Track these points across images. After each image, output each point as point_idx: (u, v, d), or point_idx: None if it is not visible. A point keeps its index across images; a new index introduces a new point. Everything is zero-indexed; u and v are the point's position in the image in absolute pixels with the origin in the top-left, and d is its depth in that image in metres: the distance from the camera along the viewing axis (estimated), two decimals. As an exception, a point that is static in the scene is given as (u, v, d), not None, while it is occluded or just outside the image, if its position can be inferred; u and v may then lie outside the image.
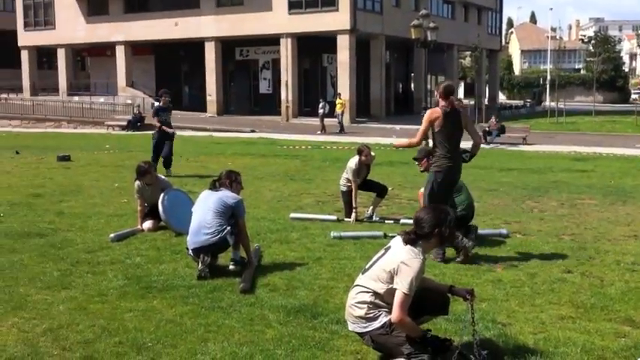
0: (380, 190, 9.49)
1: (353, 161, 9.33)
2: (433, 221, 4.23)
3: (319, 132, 29.47)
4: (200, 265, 6.25)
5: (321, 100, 31.66)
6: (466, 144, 7.09)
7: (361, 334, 4.28)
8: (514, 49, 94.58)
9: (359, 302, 4.22)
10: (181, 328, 4.87)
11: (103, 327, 4.88)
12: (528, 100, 58.35)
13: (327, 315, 5.14)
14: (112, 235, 7.84)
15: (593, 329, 4.90)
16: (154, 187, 8.52)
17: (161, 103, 14.24)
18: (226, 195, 6.59)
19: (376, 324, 4.16)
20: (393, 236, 7.77)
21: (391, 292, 4.14)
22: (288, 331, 4.84)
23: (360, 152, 9.33)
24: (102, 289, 5.84)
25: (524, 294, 5.78)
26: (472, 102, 42.59)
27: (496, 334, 4.73)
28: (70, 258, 6.91)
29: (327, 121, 30.44)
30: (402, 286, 4.05)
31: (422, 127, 6.89)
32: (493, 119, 25.55)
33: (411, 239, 4.21)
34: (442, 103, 6.87)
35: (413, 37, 23.55)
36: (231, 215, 6.51)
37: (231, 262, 6.54)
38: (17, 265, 6.63)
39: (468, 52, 55.15)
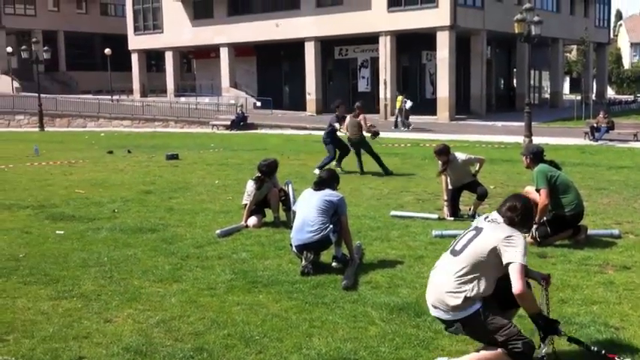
0: (479, 194, 9.30)
1: None
2: (527, 210, 4.27)
3: (406, 128, 30.25)
4: (303, 261, 6.37)
5: (404, 97, 31.96)
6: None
7: (450, 322, 4.14)
8: (623, 42, 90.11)
9: (456, 291, 4.07)
10: (287, 323, 4.98)
11: (213, 319, 5.06)
12: (639, 95, 55.48)
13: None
14: (218, 230, 8.10)
15: None
16: (267, 183, 8.76)
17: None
18: (329, 193, 6.69)
19: (470, 311, 4.05)
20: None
21: (491, 276, 4.06)
22: (392, 328, 4.85)
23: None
24: (211, 282, 6.05)
25: (638, 297, 5.54)
26: (578, 97, 40.95)
27: (608, 338, 4.56)
28: (180, 252, 7.20)
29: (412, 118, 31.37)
30: (516, 257, 3.98)
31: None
32: (601, 115, 24.47)
33: (513, 222, 4.18)
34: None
35: (516, 31, 22.86)
36: (334, 213, 6.60)
37: (334, 259, 6.63)
38: (131, 259, 6.98)
39: (574, 46, 53.13)
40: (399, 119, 31.62)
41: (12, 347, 4.58)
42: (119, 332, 4.85)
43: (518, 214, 4.21)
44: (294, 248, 6.64)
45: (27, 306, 5.43)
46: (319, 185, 6.81)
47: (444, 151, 9.36)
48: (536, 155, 7.76)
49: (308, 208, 6.63)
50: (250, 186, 8.81)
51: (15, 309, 5.36)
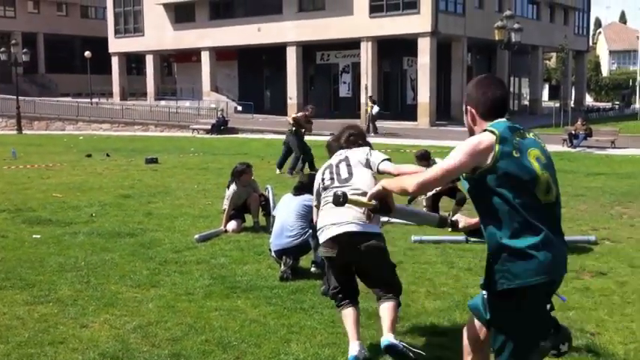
0: (458, 199, 9.36)
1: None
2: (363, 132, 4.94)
3: (370, 133, 30.20)
4: (282, 266, 6.36)
5: (370, 102, 32.09)
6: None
7: (373, 236, 4.37)
8: (602, 50, 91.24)
9: None
10: (265, 328, 4.97)
11: (190, 325, 5.03)
12: (617, 103, 56.16)
13: (408, 319, 5.13)
14: (197, 235, 8.06)
15: (689, 342, 4.69)
16: (247, 187, 8.74)
17: None
18: (309, 198, 6.65)
19: (378, 228, 4.51)
20: (475, 241, 7.69)
21: None
22: (370, 334, 4.85)
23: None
24: (189, 288, 6.02)
25: (613, 303, 5.60)
26: (557, 104, 41.38)
27: (584, 344, 4.60)
28: (158, 257, 7.15)
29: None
30: (382, 156, 4.54)
31: None
32: (579, 122, 24.76)
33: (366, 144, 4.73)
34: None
35: (496, 38, 23.13)
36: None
37: (313, 265, 6.62)
38: (109, 263, 6.92)
39: (554, 54, 53.72)
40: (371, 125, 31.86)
41: (-14, 353, 4.52)
42: (95, 338, 4.81)
43: (362, 137, 4.81)
44: (273, 253, 6.63)
45: (2, 311, 5.37)
46: (299, 190, 6.81)
47: (425, 156, 9.41)
48: None
49: (287, 213, 6.63)
50: (229, 190, 8.79)
51: (-11, 314, 5.30)
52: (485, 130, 2.99)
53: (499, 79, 3.31)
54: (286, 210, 6.67)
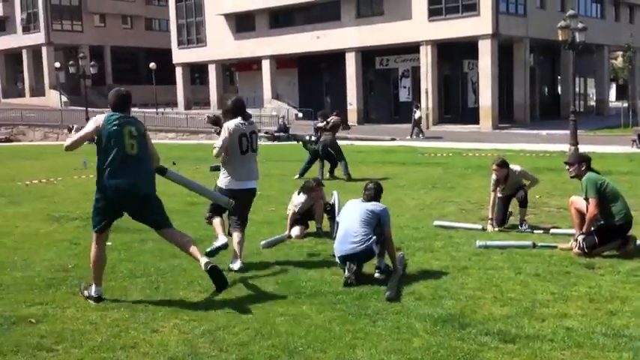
0: (521, 201, 9.13)
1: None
2: None
3: (413, 136, 31.95)
4: (346, 272, 6.37)
5: (414, 107, 33.35)
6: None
7: None
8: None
9: None
10: (330, 334, 4.99)
11: (257, 330, 5.09)
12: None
13: (475, 326, 5.06)
14: (262, 242, 8.15)
15: None
16: (314, 194, 8.85)
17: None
18: (373, 204, 6.70)
19: None
20: (543, 246, 7.56)
21: None
22: (436, 340, 4.81)
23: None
24: (255, 293, 6.10)
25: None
26: (625, 104, 40.13)
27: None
28: (224, 263, 7.25)
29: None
30: None
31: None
32: (650, 122, 24.00)
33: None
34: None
35: (560, 38, 22.54)
36: (377, 224, 6.59)
37: (377, 270, 6.62)
38: (177, 269, 7.08)
39: (620, 52, 52.17)
40: (415, 128, 32.74)
41: (61, 357, 4.68)
42: (165, 342, 4.92)
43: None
44: (337, 259, 6.66)
45: (76, 316, 5.54)
46: (367, 197, 6.83)
47: (505, 164, 9.08)
48: (589, 162, 7.64)
49: (351, 218, 6.64)
50: (297, 199, 8.87)
51: (64, 319, 5.48)
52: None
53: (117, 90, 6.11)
54: (350, 216, 6.69)
